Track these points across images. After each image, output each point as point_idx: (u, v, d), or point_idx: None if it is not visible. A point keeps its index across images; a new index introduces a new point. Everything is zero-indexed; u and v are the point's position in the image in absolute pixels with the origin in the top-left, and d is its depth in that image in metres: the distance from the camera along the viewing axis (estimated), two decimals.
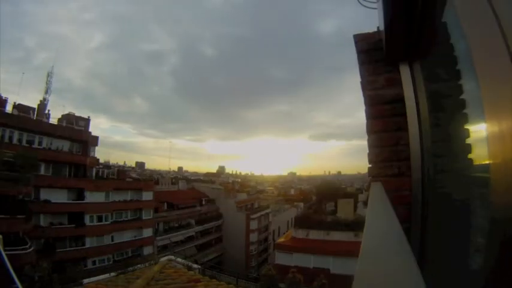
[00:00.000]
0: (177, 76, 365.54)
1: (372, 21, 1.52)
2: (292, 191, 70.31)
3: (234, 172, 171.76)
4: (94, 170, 27.54)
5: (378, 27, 1.48)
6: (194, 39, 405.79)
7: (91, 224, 25.21)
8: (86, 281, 10.26)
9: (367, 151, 1.42)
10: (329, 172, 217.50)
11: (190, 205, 36.88)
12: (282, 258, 22.52)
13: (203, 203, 39.50)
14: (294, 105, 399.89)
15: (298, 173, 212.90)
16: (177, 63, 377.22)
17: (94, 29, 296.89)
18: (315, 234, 22.95)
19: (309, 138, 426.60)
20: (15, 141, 21.91)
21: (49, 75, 28.51)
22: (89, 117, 30.13)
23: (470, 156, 1.16)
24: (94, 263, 24.57)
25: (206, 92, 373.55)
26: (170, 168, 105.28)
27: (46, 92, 27.57)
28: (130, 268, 9.98)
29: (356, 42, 1.53)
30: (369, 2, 1.57)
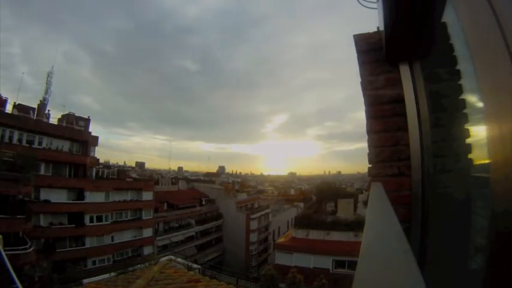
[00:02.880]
0: (99, 76, 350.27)
1: (371, 21, 1.53)
2: (292, 191, 70.15)
3: (234, 172, 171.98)
4: (94, 170, 27.53)
5: (378, 27, 1.48)
6: (87, 37, 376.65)
7: (91, 224, 25.20)
8: (86, 281, 10.31)
9: (367, 151, 1.42)
10: (329, 172, 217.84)
11: (190, 205, 36.86)
12: (282, 258, 22.53)
13: (203, 203, 39.48)
14: (226, 99, 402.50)
15: (298, 173, 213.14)
16: (90, 63, 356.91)
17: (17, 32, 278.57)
18: (315, 234, 22.96)
19: (312, 138, 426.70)
20: (15, 141, 21.89)
21: (49, 75, 28.44)
22: (89, 117, 30.10)
23: (470, 156, 1.17)
24: (94, 263, 24.56)
25: (141, 91, 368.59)
26: (170, 168, 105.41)
27: (46, 92, 27.54)
28: (131, 268, 10.02)
29: (356, 42, 1.53)
30: (369, 2, 1.57)
